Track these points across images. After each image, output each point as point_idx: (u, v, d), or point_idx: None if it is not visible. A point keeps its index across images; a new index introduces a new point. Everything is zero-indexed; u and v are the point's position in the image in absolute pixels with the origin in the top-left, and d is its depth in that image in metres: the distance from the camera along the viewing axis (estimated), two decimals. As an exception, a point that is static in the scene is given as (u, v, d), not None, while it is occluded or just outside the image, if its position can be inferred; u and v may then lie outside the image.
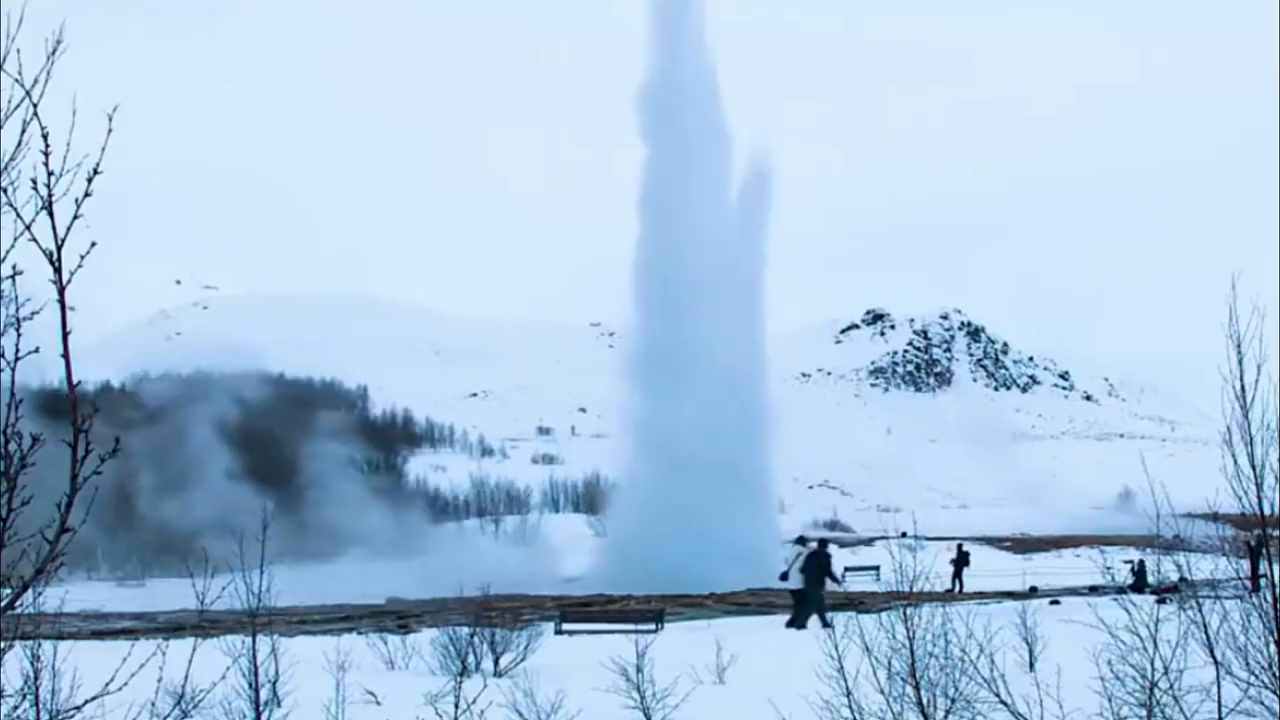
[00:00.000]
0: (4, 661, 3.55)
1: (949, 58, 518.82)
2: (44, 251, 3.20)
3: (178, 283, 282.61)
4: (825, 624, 19.06)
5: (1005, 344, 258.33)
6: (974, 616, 7.17)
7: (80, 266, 3.25)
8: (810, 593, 20.68)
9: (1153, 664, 5.75)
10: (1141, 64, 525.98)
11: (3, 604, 3.32)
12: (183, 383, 65.85)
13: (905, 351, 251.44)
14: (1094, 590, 27.50)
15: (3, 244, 3.22)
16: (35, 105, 3.19)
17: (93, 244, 3.25)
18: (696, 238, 54.74)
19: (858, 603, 20.89)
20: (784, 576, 21.46)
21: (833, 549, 23.62)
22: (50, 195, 3.20)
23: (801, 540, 23.43)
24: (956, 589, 36.11)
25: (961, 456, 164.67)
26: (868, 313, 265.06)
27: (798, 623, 20.36)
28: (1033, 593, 33.05)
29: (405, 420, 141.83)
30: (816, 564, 20.97)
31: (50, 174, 3.20)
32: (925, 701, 6.22)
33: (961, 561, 38.19)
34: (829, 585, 21.29)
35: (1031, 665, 10.81)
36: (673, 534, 47.01)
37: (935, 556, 10.55)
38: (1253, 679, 5.88)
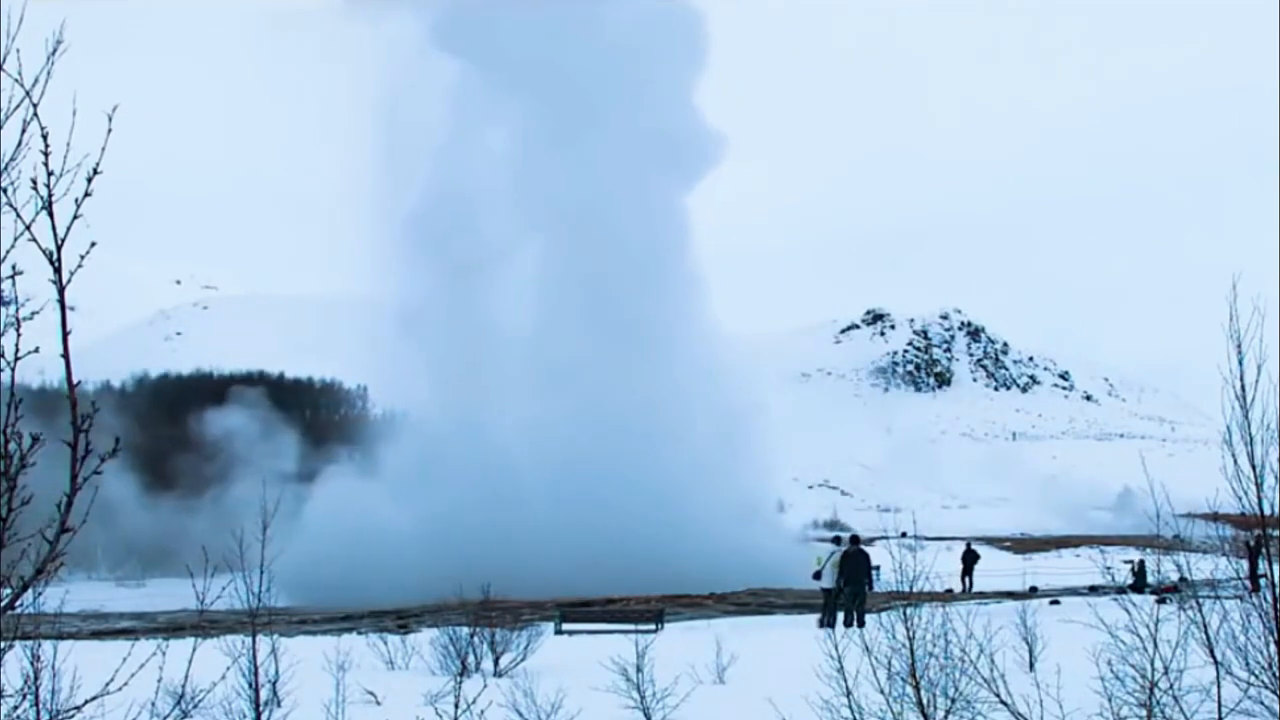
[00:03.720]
0: (4, 661, 3.55)
1: (949, 58, 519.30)
2: (44, 251, 3.19)
3: (178, 283, 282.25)
4: (839, 623, 19.07)
5: (1005, 344, 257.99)
6: (974, 616, 7.16)
7: (80, 266, 3.24)
8: (856, 590, 20.59)
9: (1153, 664, 5.74)
10: (1141, 64, 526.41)
11: (3, 604, 3.32)
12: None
13: (905, 351, 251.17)
14: (1094, 590, 27.53)
15: (3, 244, 3.21)
16: (35, 105, 3.19)
17: (92, 244, 3.24)
18: None
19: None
20: (817, 575, 21.43)
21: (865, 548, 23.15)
22: (50, 195, 3.19)
23: (837, 540, 23.42)
24: (967, 587, 36.26)
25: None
26: (868, 313, 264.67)
27: (829, 621, 20.30)
28: (1033, 593, 33.09)
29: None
30: (856, 564, 20.91)
31: (50, 174, 3.19)
32: (925, 701, 6.21)
33: (971, 560, 38.35)
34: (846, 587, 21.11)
35: (1031, 665, 10.80)
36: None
37: (935, 556, 10.51)
38: (1253, 679, 5.88)
